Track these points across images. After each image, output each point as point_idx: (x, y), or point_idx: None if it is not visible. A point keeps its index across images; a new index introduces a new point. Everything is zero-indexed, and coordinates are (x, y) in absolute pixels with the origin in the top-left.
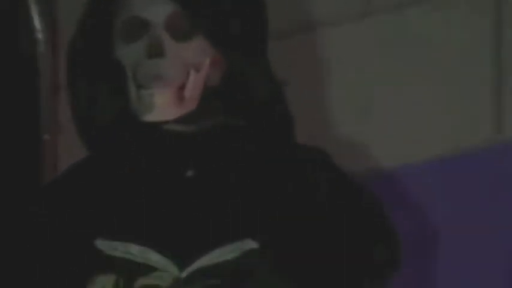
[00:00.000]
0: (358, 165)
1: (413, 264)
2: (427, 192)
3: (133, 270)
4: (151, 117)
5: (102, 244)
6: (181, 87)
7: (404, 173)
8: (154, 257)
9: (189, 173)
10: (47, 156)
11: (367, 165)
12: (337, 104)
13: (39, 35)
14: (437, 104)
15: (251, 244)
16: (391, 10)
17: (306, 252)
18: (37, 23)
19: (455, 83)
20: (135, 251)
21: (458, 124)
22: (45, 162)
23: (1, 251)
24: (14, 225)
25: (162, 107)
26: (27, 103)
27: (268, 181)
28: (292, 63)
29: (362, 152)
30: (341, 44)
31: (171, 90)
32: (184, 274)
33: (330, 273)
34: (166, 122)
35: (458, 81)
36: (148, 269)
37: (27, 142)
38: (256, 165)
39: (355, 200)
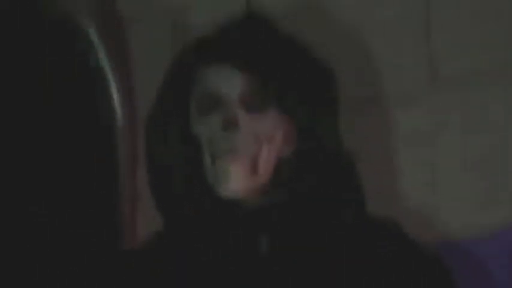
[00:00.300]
0: (429, 237)
1: None
2: (496, 263)
3: None
4: (226, 190)
5: None
6: (255, 160)
7: (474, 243)
8: None
9: (263, 249)
10: (126, 226)
11: (437, 236)
12: (407, 174)
13: (118, 109)
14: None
15: None
16: (458, 89)
17: None
18: (116, 98)
19: None
20: None
21: None
22: (124, 231)
23: None
24: None
25: (236, 179)
26: (106, 174)
27: (344, 260)
28: (363, 136)
29: (432, 223)
30: (409, 120)
31: (244, 163)
32: None
33: None
34: (241, 197)
35: None
36: None
37: (106, 213)
38: (330, 243)
39: (426, 271)
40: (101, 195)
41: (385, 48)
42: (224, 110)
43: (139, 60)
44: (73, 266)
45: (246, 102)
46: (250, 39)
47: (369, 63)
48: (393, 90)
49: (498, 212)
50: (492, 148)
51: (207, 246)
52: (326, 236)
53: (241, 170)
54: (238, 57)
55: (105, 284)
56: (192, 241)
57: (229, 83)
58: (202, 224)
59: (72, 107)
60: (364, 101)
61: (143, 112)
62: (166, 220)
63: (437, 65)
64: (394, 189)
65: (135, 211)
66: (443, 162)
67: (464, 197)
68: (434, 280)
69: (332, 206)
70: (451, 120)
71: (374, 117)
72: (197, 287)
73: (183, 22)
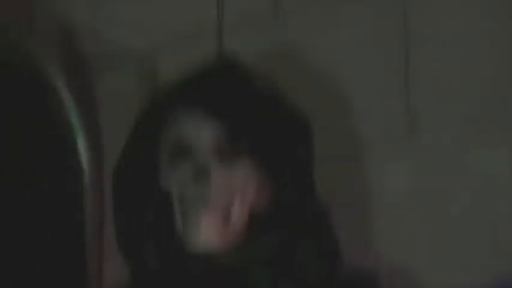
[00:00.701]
0: None
1: None
2: None
3: None
4: (196, 243)
5: None
6: (227, 212)
7: None
8: None
9: None
10: (93, 284)
11: None
12: (386, 230)
13: (86, 167)
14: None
15: None
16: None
17: None
18: (84, 154)
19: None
20: None
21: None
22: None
23: None
24: None
25: (207, 232)
26: (73, 236)
27: None
28: (338, 188)
29: (411, 281)
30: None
31: (216, 215)
32: None
33: None
34: (212, 251)
35: None
36: None
37: (73, 273)
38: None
39: None
40: (68, 254)
41: (362, 98)
42: (195, 159)
43: (106, 111)
44: None
45: (218, 151)
46: (222, 86)
47: (346, 113)
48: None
49: (481, 272)
50: (474, 199)
51: None
52: None
53: (213, 223)
54: (210, 105)
55: None
56: None
57: (200, 132)
58: (170, 279)
59: (40, 163)
60: (340, 156)
61: (110, 168)
62: (133, 275)
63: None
64: (372, 246)
65: (102, 270)
66: (423, 216)
67: (444, 256)
68: None
69: (307, 261)
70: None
71: (349, 167)
72: None
73: (151, 69)
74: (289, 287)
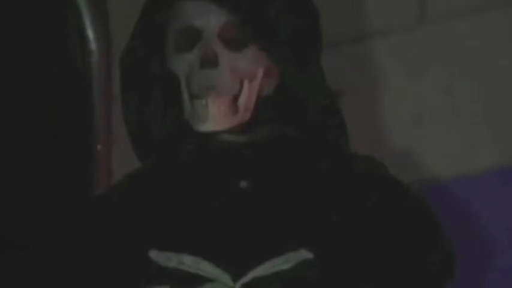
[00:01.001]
0: (413, 176)
1: (469, 277)
2: (484, 204)
3: (186, 281)
4: (205, 127)
5: (155, 255)
6: (235, 98)
7: (460, 184)
8: (207, 268)
9: (243, 184)
10: (101, 167)
11: (422, 175)
12: (390, 114)
13: (93, 46)
14: (493, 112)
15: (305, 254)
16: (444, 21)
17: (361, 264)
18: (90, 33)
19: (510, 92)
20: (188, 262)
21: None
22: (99, 172)
23: (53, 261)
24: (67, 235)
25: (215, 117)
26: (81, 114)
27: (322, 192)
28: (346, 73)
29: (417, 162)
30: (395, 54)
31: (224, 100)
32: (238, 285)
33: (385, 285)
34: (220, 133)
35: None
36: (201, 280)
37: (81, 153)
38: (310, 177)
39: (410, 212)
40: (76, 135)
41: None
42: (203, 46)
43: None
44: (46, 211)
45: (225, 39)
46: None
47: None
48: (380, 23)
49: (483, 155)
50: (480, 87)
51: (185, 184)
52: (307, 175)
53: (221, 108)
54: None
55: (80, 228)
56: (170, 179)
57: (208, 18)
58: (180, 162)
59: (45, 40)
60: (349, 39)
61: (119, 49)
62: (142, 160)
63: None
64: (378, 129)
65: (110, 153)
66: (429, 101)
67: (450, 138)
68: (420, 224)
69: (313, 142)
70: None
71: (356, 52)
72: (176, 221)
73: None
74: (294, 169)
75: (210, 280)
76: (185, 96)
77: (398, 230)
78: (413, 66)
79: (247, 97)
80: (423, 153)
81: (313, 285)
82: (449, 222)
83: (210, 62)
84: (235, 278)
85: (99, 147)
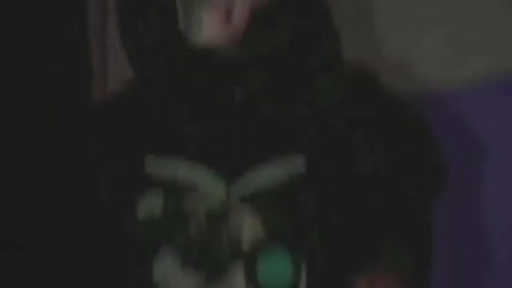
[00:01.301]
0: (407, 86)
1: (461, 187)
2: (477, 114)
3: (182, 187)
4: (199, 39)
5: (150, 162)
6: (229, 10)
7: (455, 94)
8: (202, 174)
9: (237, 94)
10: (96, 75)
11: (415, 86)
12: (385, 24)
13: None
14: (489, 24)
15: (297, 160)
16: None
17: (349, 167)
18: None
19: (505, 4)
20: (183, 168)
21: (508, 46)
22: (95, 81)
23: (53, 169)
24: (64, 144)
25: (209, 28)
26: (76, 25)
27: (314, 102)
28: None
29: (411, 73)
30: None
31: (218, 12)
32: (232, 190)
33: (377, 198)
34: (215, 45)
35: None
36: (196, 187)
37: (75, 62)
38: (303, 88)
39: (402, 124)
40: (70, 42)
41: None
42: None
43: None
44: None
45: None
46: None
47: None
48: None
49: (478, 64)
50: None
51: (182, 93)
52: (300, 87)
53: (215, 19)
54: None
55: (76, 138)
56: (166, 89)
57: None
58: (175, 73)
59: None
60: None
61: None
62: (137, 71)
63: None
64: (372, 38)
65: (106, 61)
66: (423, 10)
67: (444, 48)
68: (413, 136)
69: (306, 54)
70: None
71: None
72: (171, 129)
73: None
74: (287, 80)
75: (204, 186)
76: (179, 7)
77: (389, 139)
78: None
79: (240, 10)
80: (418, 64)
81: (303, 187)
82: (443, 132)
83: None
84: (229, 184)
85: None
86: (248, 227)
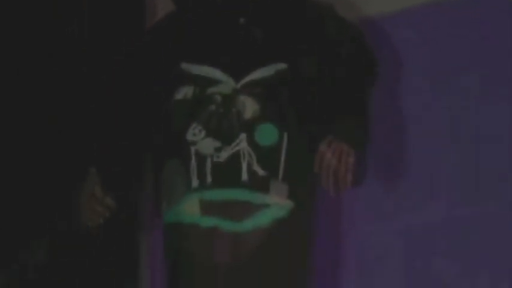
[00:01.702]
0: (358, 12)
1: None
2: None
3: (205, 83)
4: None
5: (185, 66)
6: None
7: (402, 18)
8: (219, 74)
9: (242, 20)
10: (149, 12)
11: (365, 12)
12: None
13: None
14: None
15: (282, 65)
16: None
17: (316, 69)
18: None
19: None
20: (206, 70)
21: None
22: (147, 14)
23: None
24: (124, 51)
25: None
26: None
27: (292, 26)
28: None
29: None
30: None
31: None
32: (239, 85)
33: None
34: None
35: None
36: (215, 82)
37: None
38: (287, 16)
39: (351, 37)
40: None
41: None
42: None
43: None
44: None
45: None
46: None
47: None
48: None
49: None
50: None
51: (204, 19)
52: (284, 12)
53: None
54: None
55: (136, 50)
56: (194, 17)
57: None
58: (201, 6)
59: None
60: None
61: None
62: (175, 1)
63: None
64: None
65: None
66: None
67: None
68: (355, 40)
69: None
70: None
71: None
72: (198, 43)
73: None
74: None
75: (220, 82)
76: None
77: (339, 45)
78: None
79: None
80: None
81: (288, 86)
82: (393, 56)
83: None
84: (237, 81)
85: None
86: (250, 106)
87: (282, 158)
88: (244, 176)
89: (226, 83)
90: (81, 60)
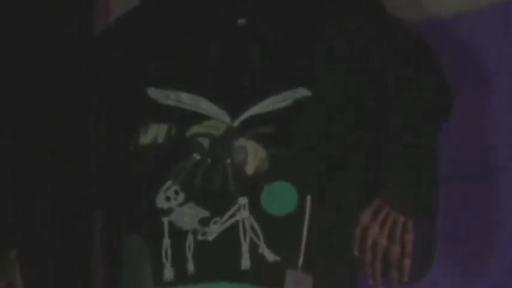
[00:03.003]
0: (414, 13)
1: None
2: (485, 38)
3: (185, 118)
4: None
5: (153, 92)
6: None
7: (462, 21)
8: (205, 105)
9: (241, 21)
10: (99, 5)
11: (423, 13)
12: None
13: None
14: None
15: (303, 92)
16: None
17: (356, 98)
18: None
19: None
20: (186, 99)
21: None
22: (98, 10)
23: (58, 96)
24: (69, 73)
25: None
26: None
27: (316, 30)
28: None
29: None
30: None
31: None
32: (237, 122)
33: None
34: None
35: None
36: (200, 117)
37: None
38: (304, 17)
39: (405, 46)
40: None
41: None
42: None
43: None
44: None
45: None
46: None
47: None
48: None
49: None
50: None
51: (184, 22)
52: (299, 10)
53: None
54: None
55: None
56: (168, 17)
57: None
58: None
59: None
60: None
61: None
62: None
63: None
64: None
65: None
66: None
67: None
68: (416, 55)
69: None
70: None
71: None
72: (173, 58)
73: None
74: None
75: (207, 118)
76: None
77: (394, 63)
78: None
79: None
80: None
81: (309, 120)
82: (452, 59)
83: None
84: (234, 114)
85: None
86: (254, 155)
87: (304, 235)
88: (246, 262)
89: (217, 119)
90: None
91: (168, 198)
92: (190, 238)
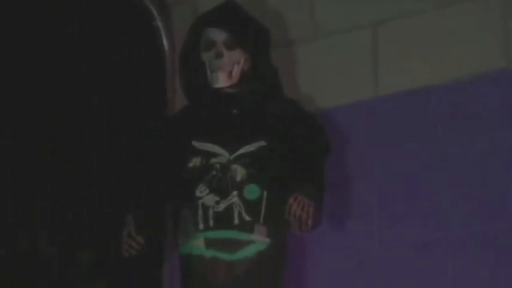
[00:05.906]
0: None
1: None
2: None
3: (208, 155)
4: (216, 85)
5: (195, 143)
6: (230, 72)
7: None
8: (217, 149)
9: (235, 111)
10: (170, 105)
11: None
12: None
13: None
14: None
15: (262, 143)
16: None
17: (287, 148)
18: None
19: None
20: (209, 146)
21: None
22: (169, 107)
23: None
24: (147, 135)
25: (221, 80)
26: (155, 79)
27: (269, 116)
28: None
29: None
30: None
31: (225, 73)
32: (232, 157)
33: (299, 156)
34: (223, 87)
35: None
36: (215, 155)
37: (157, 89)
38: (264, 109)
39: (309, 123)
40: (150, 87)
41: None
42: (215, 48)
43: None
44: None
45: (226, 45)
46: (228, 13)
47: None
48: None
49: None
50: None
51: (207, 110)
52: (265, 108)
53: (224, 76)
54: (222, 22)
55: (158, 133)
56: (200, 108)
57: (218, 35)
58: (205, 99)
59: None
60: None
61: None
62: (188, 99)
63: None
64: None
65: (175, 94)
66: None
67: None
68: (313, 127)
69: (266, 94)
70: None
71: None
72: (204, 127)
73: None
74: (261, 104)
75: (218, 155)
76: (208, 71)
77: (303, 132)
78: None
79: (236, 71)
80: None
81: (266, 158)
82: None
83: (219, 55)
84: (231, 153)
85: (169, 95)
86: (240, 172)
87: (263, 209)
88: (236, 221)
89: (223, 155)
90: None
91: (201, 192)
92: (211, 210)
